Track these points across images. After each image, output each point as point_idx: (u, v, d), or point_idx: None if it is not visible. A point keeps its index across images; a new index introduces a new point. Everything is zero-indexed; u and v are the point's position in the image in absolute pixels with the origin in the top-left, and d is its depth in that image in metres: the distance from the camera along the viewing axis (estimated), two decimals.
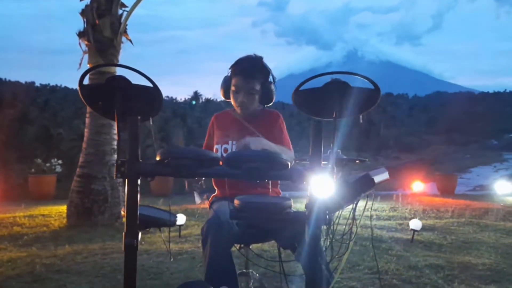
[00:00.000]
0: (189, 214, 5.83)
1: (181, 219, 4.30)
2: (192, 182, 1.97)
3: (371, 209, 1.68)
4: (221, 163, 1.50)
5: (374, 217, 6.12)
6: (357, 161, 1.73)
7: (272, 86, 2.08)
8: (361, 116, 1.52)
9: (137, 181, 1.51)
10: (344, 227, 1.63)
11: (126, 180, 1.50)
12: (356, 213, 1.68)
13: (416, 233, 4.34)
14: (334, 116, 1.43)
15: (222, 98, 2.15)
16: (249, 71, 2.01)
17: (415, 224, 4.25)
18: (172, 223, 1.71)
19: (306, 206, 1.46)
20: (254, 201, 1.60)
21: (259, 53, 2.09)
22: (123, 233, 1.52)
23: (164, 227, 1.77)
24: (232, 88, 2.07)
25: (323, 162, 1.49)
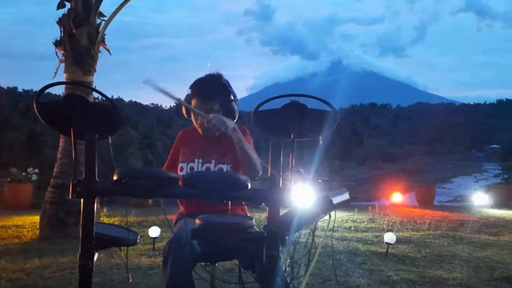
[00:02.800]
0: (165, 225, 5.76)
1: (155, 231, 4.25)
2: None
3: (332, 229, 1.67)
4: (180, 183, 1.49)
5: (352, 228, 6.15)
6: (320, 181, 1.72)
7: (233, 104, 2.04)
8: (320, 138, 1.52)
9: (94, 201, 1.48)
10: (305, 246, 1.62)
11: (82, 199, 1.47)
12: (321, 234, 1.68)
13: (391, 246, 4.37)
14: (292, 137, 1.43)
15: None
16: (206, 92, 1.97)
17: (390, 237, 4.28)
18: (132, 242, 1.68)
19: (265, 227, 1.45)
20: (215, 221, 1.58)
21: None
22: (78, 254, 1.48)
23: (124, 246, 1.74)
24: None
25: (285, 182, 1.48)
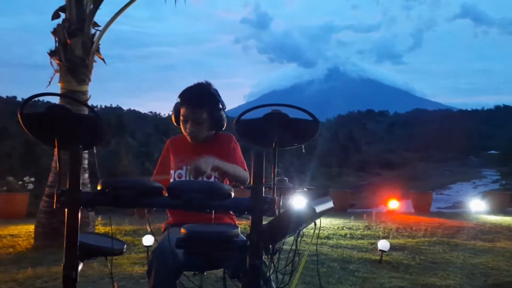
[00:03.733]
0: (160, 233, 5.75)
1: (149, 240, 4.23)
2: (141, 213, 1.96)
3: (317, 237, 1.68)
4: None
5: (348, 236, 6.15)
6: (305, 189, 1.74)
7: (222, 113, 2.05)
8: (303, 146, 1.53)
9: (78, 211, 1.49)
10: (288, 254, 1.62)
11: (66, 209, 1.48)
12: (307, 242, 1.68)
13: (385, 253, 4.36)
14: (274, 146, 1.44)
15: None
16: (194, 101, 1.99)
17: (383, 244, 4.28)
18: (117, 251, 1.68)
19: (247, 236, 1.45)
20: (199, 231, 1.59)
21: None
22: (62, 264, 1.49)
23: (113, 256, 1.74)
24: (181, 117, 2.06)
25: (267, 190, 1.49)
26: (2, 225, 7.01)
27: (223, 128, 2.11)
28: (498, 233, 6.60)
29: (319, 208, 1.53)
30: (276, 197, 1.49)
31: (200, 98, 2.00)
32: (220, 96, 2.07)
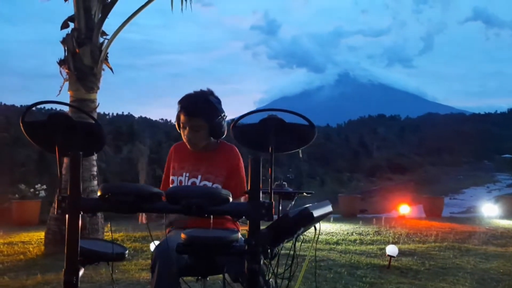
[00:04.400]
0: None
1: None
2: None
3: (316, 242, 1.67)
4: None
5: (357, 241, 6.10)
6: (305, 194, 1.74)
7: (220, 120, 2.03)
8: (300, 151, 1.54)
9: (78, 217, 1.51)
10: (286, 258, 1.62)
11: (67, 215, 1.51)
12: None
13: (394, 258, 4.32)
14: (270, 150, 1.45)
15: None
16: (191, 109, 2.00)
17: (392, 250, 4.24)
18: (119, 257, 1.69)
19: (245, 241, 1.46)
20: (199, 236, 1.60)
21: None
22: (63, 269, 1.51)
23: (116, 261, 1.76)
24: (181, 124, 2.08)
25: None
26: (15, 232, 7.11)
27: (223, 136, 2.11)
28: (511, 238, 6.49)
29: (317, 213, 1.53)
30: (274, 202, 1.49)
31: (196, 106, 2.00)
32: (220, 104, 2.06)
